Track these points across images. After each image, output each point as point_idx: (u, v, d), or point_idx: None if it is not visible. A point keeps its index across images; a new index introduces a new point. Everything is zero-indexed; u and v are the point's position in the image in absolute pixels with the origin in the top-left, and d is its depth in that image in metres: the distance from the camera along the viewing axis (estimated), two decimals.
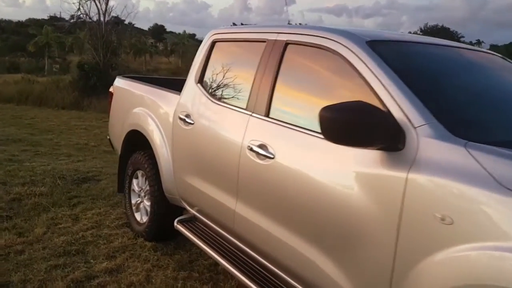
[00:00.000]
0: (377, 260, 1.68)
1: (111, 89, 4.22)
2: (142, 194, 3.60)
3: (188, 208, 3.12)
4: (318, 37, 2.18)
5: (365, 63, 1.90)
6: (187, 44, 53.80)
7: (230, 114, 2.65)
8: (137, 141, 3.60)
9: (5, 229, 3.54)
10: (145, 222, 3.52)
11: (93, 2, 16.69)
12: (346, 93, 2.05)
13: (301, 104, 2.30)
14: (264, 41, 2.55)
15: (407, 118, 1.68)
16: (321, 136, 1.93)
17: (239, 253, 2.63)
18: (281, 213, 2.19)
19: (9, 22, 70.27)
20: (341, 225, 1.85)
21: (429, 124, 1.63)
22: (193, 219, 3.11)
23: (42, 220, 3.76)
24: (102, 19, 16.86)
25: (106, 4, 16.76)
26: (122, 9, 28.50)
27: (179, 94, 3.19)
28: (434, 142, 1.59)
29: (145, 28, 72.35)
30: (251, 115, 2.46)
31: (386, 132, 1.66)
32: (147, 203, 3.51)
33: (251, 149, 2.34)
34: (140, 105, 3.62)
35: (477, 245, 1.38)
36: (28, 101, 14.05)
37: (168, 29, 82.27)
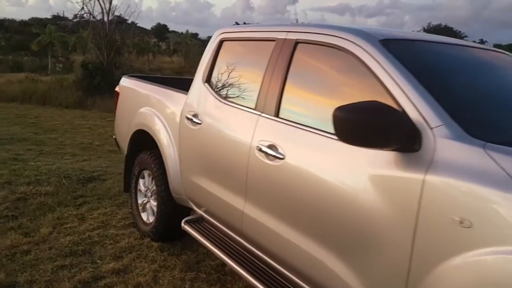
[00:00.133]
0: (392, 263, 1.65)
1: (117, 89, 4.20)
2: (149, 194, 3.57)
3: (195, 208, 3.09)
4: (330, 36, 2.15)
5: (379, 62, 1.86)
6: (189, 44, 53.82)
7: (238, 114, 2.62)
8: (144, 141, 3.58)
9: (10, 229, 3.53)
10: (151, 222, 3.50)
11: (96, 1, 16.70)
12: (358, 93, 2.01)
13: (312, 104, 2.27)
14: (274, 40, 2.52)
15: (423, 118, 1.64)
16: (333, 136, 1.91)
17: (246, 253, 2.60)
18: (291, 214, 2.16)
19: (12, 21, 70.49)
20: (353, 227, 1.81)
21: (446, 124, 1.60)
22: (200, 219, 3.09)
23: (48, 220, 3.75)
24: (105, 18, 16.86)
25: (110, 3, 16.76)
26: (125, 8, 28.47)
27: (186, 94, 3.16)
28: (451, 143, 1.56)
29: (148, 27, 72.55)
30: (260, 115, 2.43)
31: (402, 133, 1.62)
32: (153, 203, 3.49)
33: (260, 150, 2.31)
34: (146, 104, 3.60)
35: (496, 249, 1.35)
36: (32, 100, 14.07)
37: (170, 29, 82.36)
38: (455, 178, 1.48)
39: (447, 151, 1.56)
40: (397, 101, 1.74)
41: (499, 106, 1.99)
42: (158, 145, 3.31)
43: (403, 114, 1.67)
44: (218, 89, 2.91)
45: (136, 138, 3.70)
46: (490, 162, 1.44)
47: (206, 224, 3.03)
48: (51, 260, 3.05)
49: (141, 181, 3.69)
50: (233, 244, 2.73)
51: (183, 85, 3.52)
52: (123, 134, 3.95)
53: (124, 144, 3.92)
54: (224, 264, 3.00)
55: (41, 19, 60.59)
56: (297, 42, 2.35)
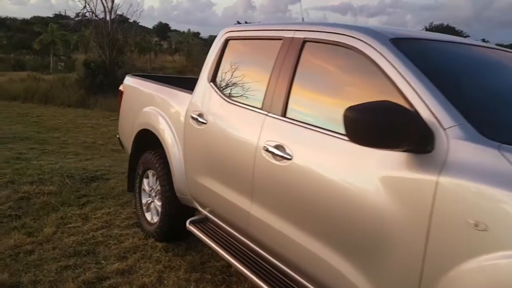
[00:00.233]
0: (404, 265, 1.62)
1: (121, 88, 4.18)
2: (153, 194, 3.55)
3: (200, 208, 3.07)
4: (339, 35, 2.11)
5: (389, 62, 1.83)
6: (191, 43, 53.82)
7: (244, 113, 2.59)
8: (148, 141, 3.55)
9: (14, 228, 3.51)
10: (156, 222, 3.47)
11: (99, 0, 16.68)
12: (368, 92, 1.98)
13: (321, 103, 2.23)
14: (281, 39, 2.49)
15: (436, 119, 1.61)
16: (343, 137, 1.89)
17: (252, 254, 2.58)
18: (299, 215, 2.13)
19: (14, 20, 70.57)
20: (363, 228, 1.79)
21: (459, 125, 1.57)
22: (205, 220, 3.06)
23: (51, 219, 3.73)
24: (108, 17, 16.85)
25: (112, 1, 16.73)
26: (128, 7, 28.47)
27: (191, 93, 3.14)
28: (465, 144, 1.53)
29: (150, 26, 72.39)
30: (267, 114, 2.40)
31: (414, 134, 1.59)
32: (158, 203, 3.46)
33: (267, 150, 2.28)
34: (151, 104, 3.57)
35: None
36: (34, 99, 14.06)
37: (172, 28, 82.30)
38: (470, 180, 1.45)
39: (460, 153, 1.53)
40: (409, 101, 1.71)
41: None
42: (163, 144, 3.29)
43: (415, 115, 1.64)
44: (223, 89, 2.89)
45: (140, 138, 3.68)
46: (505, 164, 1.41)
47: (211, 225, 3.00)
48: (55, 260, 3.03)
49: (145, 181, 3.67)
50: (238, 244, 2.70)
51: (187, 84, 3.50)
52: (127, 134, 3.92)
53: (128, 143, 3.90)
54: (229, 265, 2.97)
55: (43, 18, 60.61)
56: (305, 41, 2.32)
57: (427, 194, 1.53)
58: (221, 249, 2.68)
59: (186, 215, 3.18)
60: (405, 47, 1.91)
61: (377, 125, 1.55)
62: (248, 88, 2.74)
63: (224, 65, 2.96)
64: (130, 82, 4.10)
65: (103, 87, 14.53)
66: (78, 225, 3.66)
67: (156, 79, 4.01)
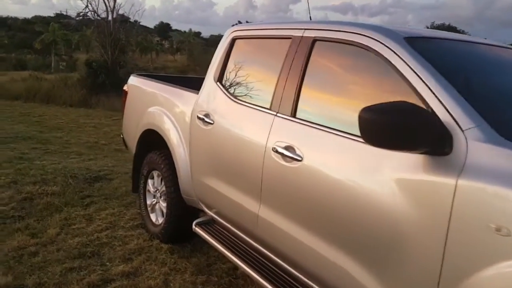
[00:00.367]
0: (421, 272, 1.58)
1: (125, 87, 4.13)
2: (158, 195, 3.51)
3: (206, 210, 3.03)
4: (351, 33, 2.07)
5: (404, 61, 1.79)
6: (192, 42, 53.76)
7: (252, 114, 2.55)
8: (153, 141, 3.51)
9: (17, 229, 3.47)
10: (161, 224, 3.43)
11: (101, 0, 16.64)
12: (382, 92, 1.93)
13: (332, 104, 2.18)
14: (290, 38, 2.44)
15: (454, 120, 1.57)
16: (356, 138, 1.85)
17: (259, 256, 2.54)
18: (310, 217, 2.09)
19: (15, 19, 70.59)
20: (378, 232, 1.74)
21: (478, 126, 1.53)
22: (211, 221, 3.02)
23: (55, 220, 3.69)
24: (110, 16, 16.80)
25: (114, 1, 16.69)
26: (130, 7, 28.45)
27: (197, 93, 3.10)
28: (484, 146, 1.49)
29: (151, 26, 72.30)
30: (275, 115, 2.36)
31: (432, 135, 1.55)
32: (163, 204, 3.42)
33: (276, 151, 2.24)
34: (155, 104, 3.53)
35: None
36: (36, 99, 14.00)
37: (173, 27, 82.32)
38: (491, 183, 1.41)
39: (480, 155, 1.48)
40: (425, 102, 1.66)
41: None
42: (168, 145, 3.25)
43: (433, 116, 1.60)
44: (230, 88, 2.84)
45: (145, 138, 3.64)
46: None
47: (217, 226, 2.96)
48: (59, 262, 2.99)
49: (150, 182, 3.63)
50: (245, 246, 2.66)
51: (192, 84, 3.47)
52: (132, 134, 3.88)
53: (132, 143, 3.86)
54: (235, 267, 2.93)
55: (44, 17, 60.61)
56: (315, 40, 2.27)
57: (445, 198, 1.49)
58: (228, 251, 2.64)
59: (191, 216, 3.14)
60: (420, 46, 1.87)
61: (393, 126, 1.51)
62: (256, 88, 2.69)
63: (231, 65, 2.92)
64: (134, 81, 4.06)
65: (105, 86, 14.48)
66: (82, 226, 3.62)
67: (160, 78, 3.97)
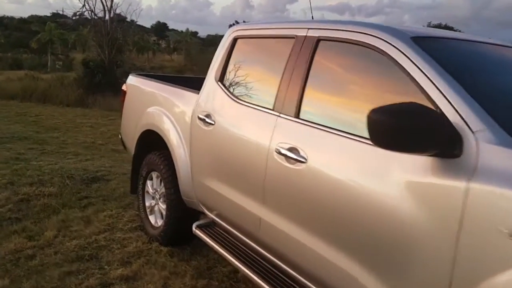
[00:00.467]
0: (431, 277, 1.54)
1: (124, 87, 4.08)
2: (157, 197, 3.46)
3: (207, 212, 2.98)
4: (356, 33, 2.03)
5: (412, 61, 1.75)
6: (189, 42, 53.67)
7: (254, 114, 2.50)
8: (152, 142, 3.46)
9: (14, 232, 3.41)
10: (160, 226, 3.38)
11: None
12: (388, 93, 1.89)
13: (337, 105, 2.14)
14: (293, 37, 2.40)
15: (464, 121, 1.53)
16: (362, 140, 1.81)
17: (261, 260, 2.49)
18: (314, 221, 2.05)
19: (11, 18, 70.19)
20: (386, 236, 1.70)
21: (489, 128, 1.49)
22: (212, 224, 2.98)
23: (52, 222, 3.63)
24: (107, 16, 16.71)
25: (112, 0, 16.60)
26: (127, 6, 28.32)
27: (197, 93, 3.05)
28: (496, 148, 1.45)
29: (148, 25, 72.10)
30: (278, 115, 2.31)
31: (442, 137, 1.51)
32: (162, 206, 3.37)
33: (279, 152, 2.20)
34: (155, 104, 3.48)
35: None
36: (32, 98, 13.90)
37: (170, 27, 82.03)
38: (503, 186, 1.37)
39: (491, 157, 1.44)
40: (434, 103, 1.62)
41: None
42: (168, 145, 3.20)
43: (443, 117, 1.56)
44: (232, 88, 2.80)
45: (144, 139, 3.58)
46: None
47: (218, 229, 2.91)
48: (57, 265, 2.93)
49: (148, 183, 3.57)
50: (246, 249, 2.62)
51: (191, 84, 3.42)
52: (130, 134, 3.83)
53: (131, 144, 3.80)
54: (236, 270, 2.89)
55: (40, 17, 60.40)
56: (319, 40, 2.23)
57: (457, 201, 1.45)
58: (229, 254, 2.60)
59: (191, 218, 3.09)
60: (427, 45, 1.83)
61: (403, 128, 1.46)
62: (258, 88, 2.65)
63: (233, 64, 2.87)
64: (133, 81, 4.01)
65: (102, 86, 14.39)
66: (80, 228, 3.56)
67: (159, 78, 3.92)
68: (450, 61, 1.81)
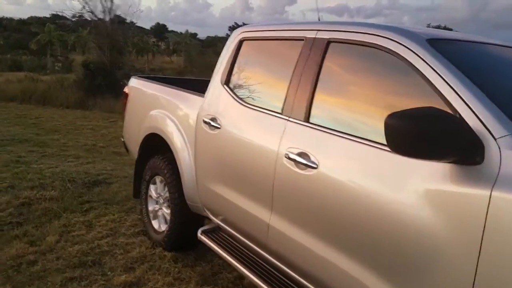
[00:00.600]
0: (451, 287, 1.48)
1: (126, 90, 4.02)
2: (161, 201, 3.40)
3: (212, 217, 2.92)
4: (368, 35, 1.97)
5: (429, 64, 1.69)
6: (189, 43, 53.62)
7: (262, 118, 2.45)
8: (155, 145, 3.40)
9: (15, 237, 3.35)
10: (163, 231, 3.32)
11: (98, 0, 16.46)
12: (403, 97, 1.84)
13: (350, 109, 2.07)
14: (302, 39, 2.35)
15: (486, 127, 1.48)
16: (376, 145, 1.76)
17: (268, 266, 2.44)
18: (326, 229, 1.99)
19: (10, 20, 70.15)
20: (402, 246, 1.64)
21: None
22: (217, 229, 2.92)
23: (54, 227, 3.57)
24: (107, 17, 16.64)
25: (111, 2, 16.53)
26: (127, 8, 28.20)
27: (202, 96, 2.99)
28: None
29: (147, 27, 72.14)
30: (288, 119, 2.26)
31: (463, 143, 1.46)
32: (166, 210, 3.31)
33: (289, 157, 2.14)
34: (158, 107, 3.43)
35: None
36: (31, 100, 13.80)
37: (169, 28, 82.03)
38: None
39: None
40: (453, 108, 1.57)
41: None
42: (172, 149, 3.14)
43: (463, 123, 1.50)
44: (239, 92, 2.74)
45: (147, 142, 3.53)
46: None
47: (223, 234, 2.86)
48: (59, 271, 2.87)
49: (152, 187, 3.52)
50: (252, 256, 2.56)
51: (194, 86, 3.37)
52: (133, 137, 3.77)
53: (134, 147, 3.75)
54: (242, 277, 2.83)
55: (40, 18, 60.37)
56: (329, 42, 2.18)
57: (478, 209, 1.39)
58: (235, 260, 2.54)
59: (196, 223, 3.04)
60: (443, 48, 1.78)
61: (422, 134, 1.41)
62: (266, 92, 2.60)
63: (239, 67, 2.82)
64: (135, 84, 3.95)
65: (102, 88, 14.32)
66: (82, 233, 3.50)
67: (161, 80, 3.86)
68: (467, 64, 1.76)
